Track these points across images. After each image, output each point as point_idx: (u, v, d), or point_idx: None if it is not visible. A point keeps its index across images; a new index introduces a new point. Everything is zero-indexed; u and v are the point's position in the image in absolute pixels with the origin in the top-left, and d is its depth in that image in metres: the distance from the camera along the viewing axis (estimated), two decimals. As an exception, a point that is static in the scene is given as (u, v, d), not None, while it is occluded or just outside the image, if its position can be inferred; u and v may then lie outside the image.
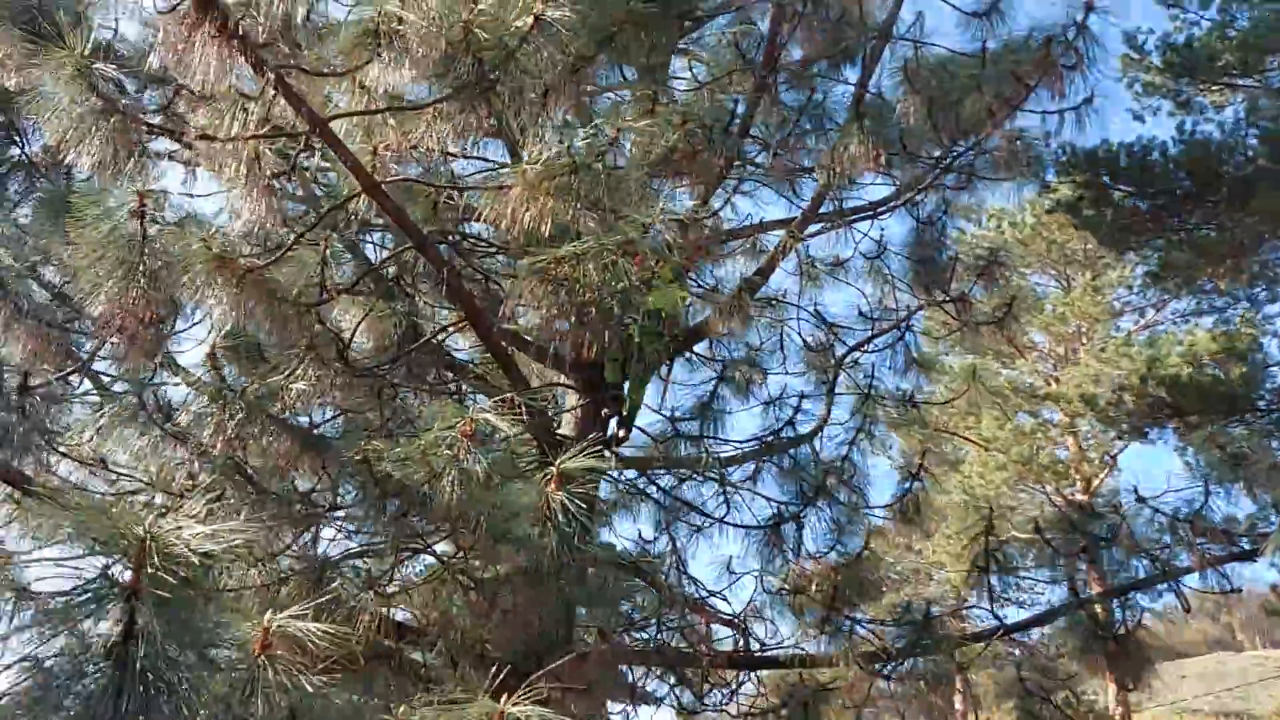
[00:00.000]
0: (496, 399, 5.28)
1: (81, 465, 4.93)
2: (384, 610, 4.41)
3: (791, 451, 8.76)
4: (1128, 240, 10.48)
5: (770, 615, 7.44)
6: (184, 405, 4.53)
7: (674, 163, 5.79)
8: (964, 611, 7.03)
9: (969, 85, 6.70)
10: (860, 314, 9.67)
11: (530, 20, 4.35)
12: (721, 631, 7.45)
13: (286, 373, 4.77)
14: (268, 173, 4.77)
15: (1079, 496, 14.20)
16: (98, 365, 4.91)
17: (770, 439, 8.77)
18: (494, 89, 4.32)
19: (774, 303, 9.48)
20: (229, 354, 4.83)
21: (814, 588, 6.45)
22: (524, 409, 5.96)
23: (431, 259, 4.91)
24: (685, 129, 5.81)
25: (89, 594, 2.15)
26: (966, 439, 14.03)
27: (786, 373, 9.71)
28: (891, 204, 8.04)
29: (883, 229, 9.44)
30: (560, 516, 3.84)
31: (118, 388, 4.88)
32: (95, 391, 4.98)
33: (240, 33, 4.06)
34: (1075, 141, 9.69)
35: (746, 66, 6.65)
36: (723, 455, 8.35)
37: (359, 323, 5.14)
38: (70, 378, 4.90)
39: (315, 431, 4.65)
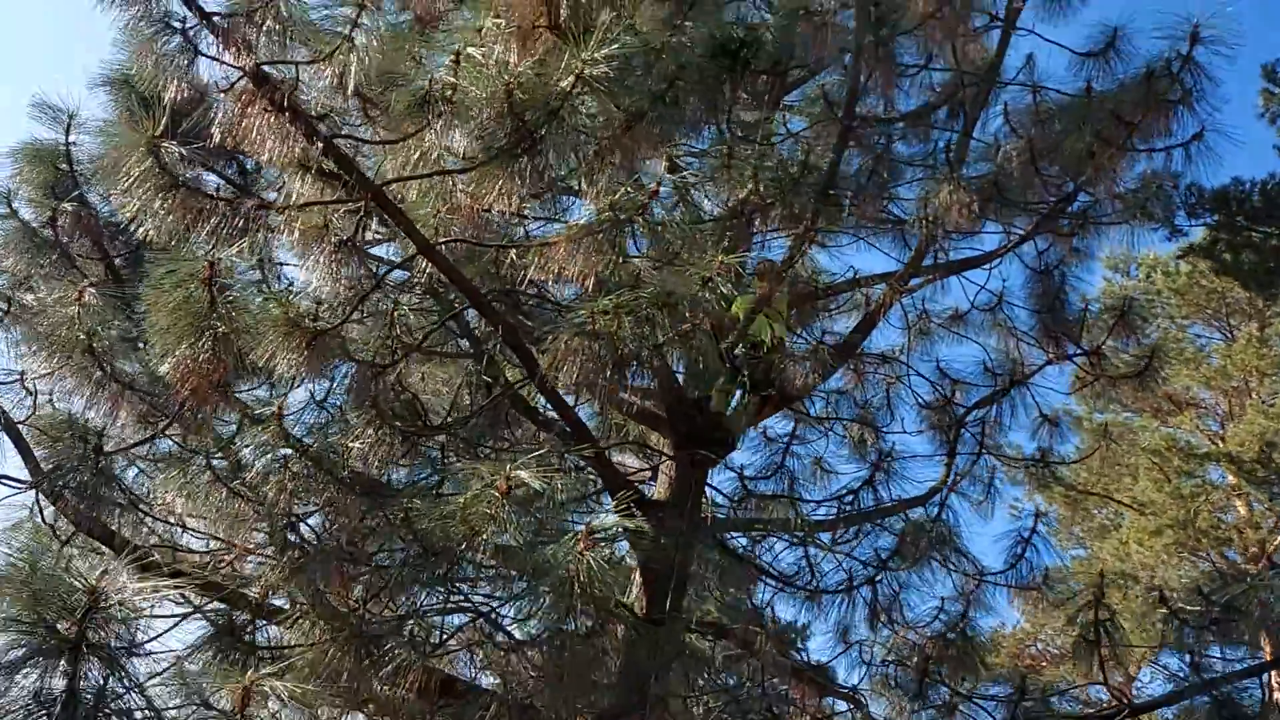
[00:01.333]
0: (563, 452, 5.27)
1: (169, 524, 5.16)
2: (432, 668, 4.40)
3: (905, 514, 8.40)
4: (1276, 284, 9.65)
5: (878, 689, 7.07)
6: (251, 464, 4.68)
7: (748, 214, 5.69)
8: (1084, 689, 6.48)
9: (1072, 127, 6.36)
10: (985, 369, 9.23)
11: (571, 80, 4.39)
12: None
13: (352, 432, 4.87)
14: (333, 239, 4.96)
15: (1245, 564, 13.00)
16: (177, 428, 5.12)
17: (882, 503, 8.41)
18: (536, 149, 4.35)
19: (885, 359, 9.20)
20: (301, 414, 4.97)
21: (915, 659, 6.08)
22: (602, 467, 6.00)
23: (488, 316, 4.95)
24: (759, 180, 5.73)
25: (32, 650, 2.20)
26: (1119, 502, 13.09)
27: (905, 432, 9.35)
28: (998, 255, 7.68)
29: (1004, 281, 9.08)
30: (588, 577, 3.74)
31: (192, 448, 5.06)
32: (171, 453, 5.21)
33: (293, 105, 4.24)
34: (1198, 180, 9.04)
35: (830, 117, 6.52)
36: (826, 517, 8.08)
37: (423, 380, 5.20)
38: (155, 439, 5.15)
39: (374, 490, 4.70)
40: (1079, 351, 8.78)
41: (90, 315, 4.99)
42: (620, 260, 4.25)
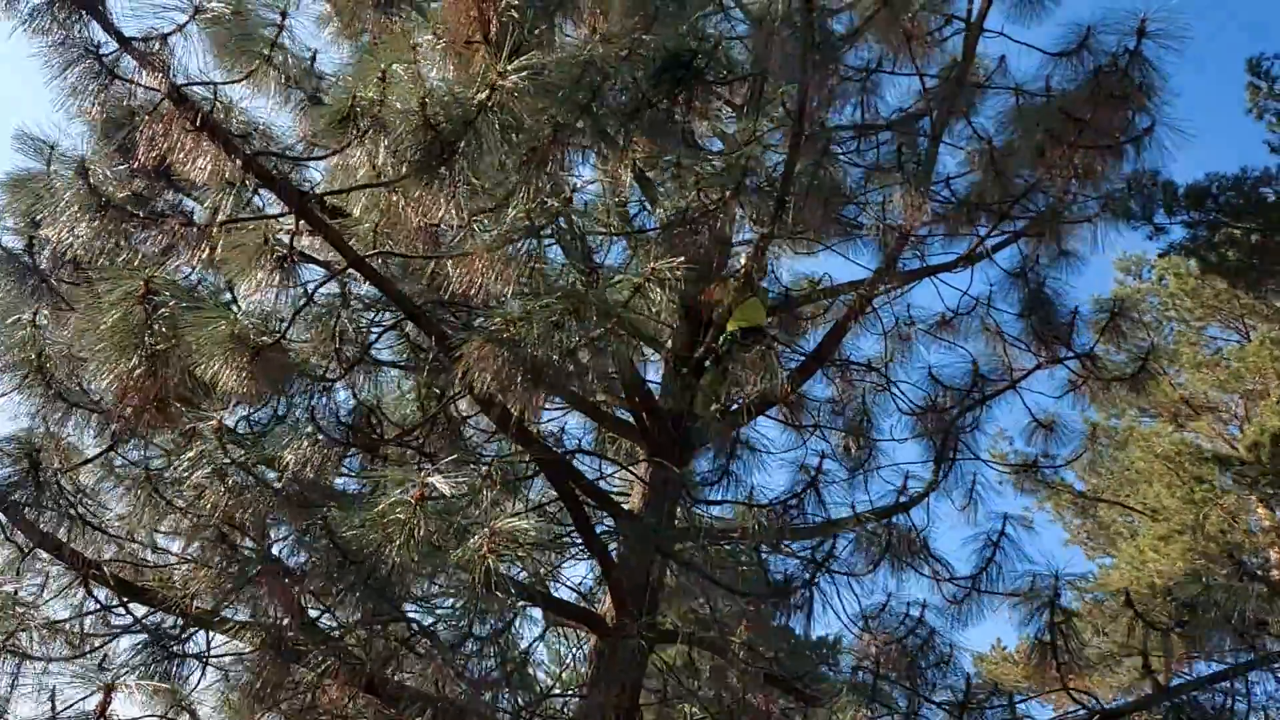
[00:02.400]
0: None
1: (118, 538, 5.25)
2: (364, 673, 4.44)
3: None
4: (1268, 280, 9.42)
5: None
6: (186, 476, 4.76)
7: (691, 222, 5.70)
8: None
9: (1028, 127, 6.30)
10: (978, 375, 9.14)
11: (486, 92, 4.45)
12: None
13: (284, 443, 4.94)
14: (273, 255, 5.05)
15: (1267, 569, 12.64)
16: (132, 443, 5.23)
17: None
18: (452, 161, 4.41)
19: (872, 366, 9.13)
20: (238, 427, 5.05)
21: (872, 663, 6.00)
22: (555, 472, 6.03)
23: (425, 328, 5.01)
24: (701, 187, 5.75)
25: None
26: (1130, 508, 12.83)
27: (893, 439, 9.27)
28: (964, 260, 7.60)
29: (991, 285, 9.00)
30: (492, 579, 3.77)
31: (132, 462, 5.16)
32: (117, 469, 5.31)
33: (211, 124, 4.34)
34: (1171, 177, 8.89)
35: (785, 124, 6.53)
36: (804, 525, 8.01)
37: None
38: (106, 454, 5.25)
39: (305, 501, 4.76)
40: (1071, 354, 8.70)
41: (40, 338, 5.12)
42: (536, 268, 4.27)
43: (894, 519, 8.06)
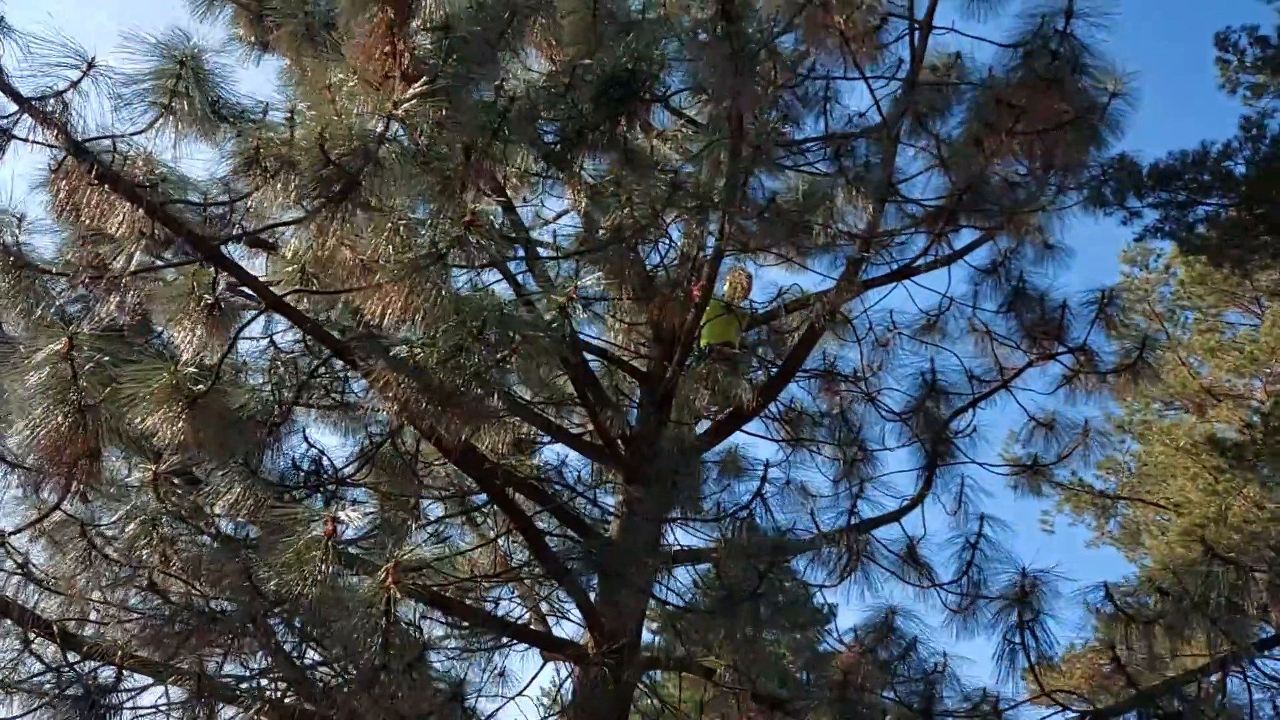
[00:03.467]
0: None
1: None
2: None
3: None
4: (1252, 257, 9.13)
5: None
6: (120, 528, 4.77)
7: (627, 238, 5.67)
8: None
9: (968, 118, 6.20)
10: (971, 377, 8.97)
11: (384, 123, 4.46)
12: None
13: (219, 490, 4.94)
14: (202, 302, 5.07)
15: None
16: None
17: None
18: (353, 194, 4.41)
19: (858, 376, 8.99)
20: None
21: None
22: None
23: (351, 364, 4.99)
24: (632, 205, 5.71)
25: None
26: (1152, 503, 12.47)
27: (885, 447, 9.09)
28: (919, 260, 7.45)
29: (977, 286, 8.86)
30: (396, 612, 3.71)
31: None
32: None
33: (113, 177, 4.38)
34: (1135, 159, 8.66)
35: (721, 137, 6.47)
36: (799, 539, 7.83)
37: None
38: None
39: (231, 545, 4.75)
40: (1065, 349, 8.52)
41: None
42: (442, 294, 4.24)
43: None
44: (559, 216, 7.54)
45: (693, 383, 5.98)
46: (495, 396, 4.18)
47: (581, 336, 8.05)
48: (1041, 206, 6.71)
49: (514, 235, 6.73)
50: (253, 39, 7.93)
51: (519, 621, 8.38)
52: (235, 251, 6.61)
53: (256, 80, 7.02)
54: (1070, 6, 5.62)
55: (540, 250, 6.75)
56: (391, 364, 4.18)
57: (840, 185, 6.22)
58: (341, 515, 4.03)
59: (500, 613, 8.48)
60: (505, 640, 7.37)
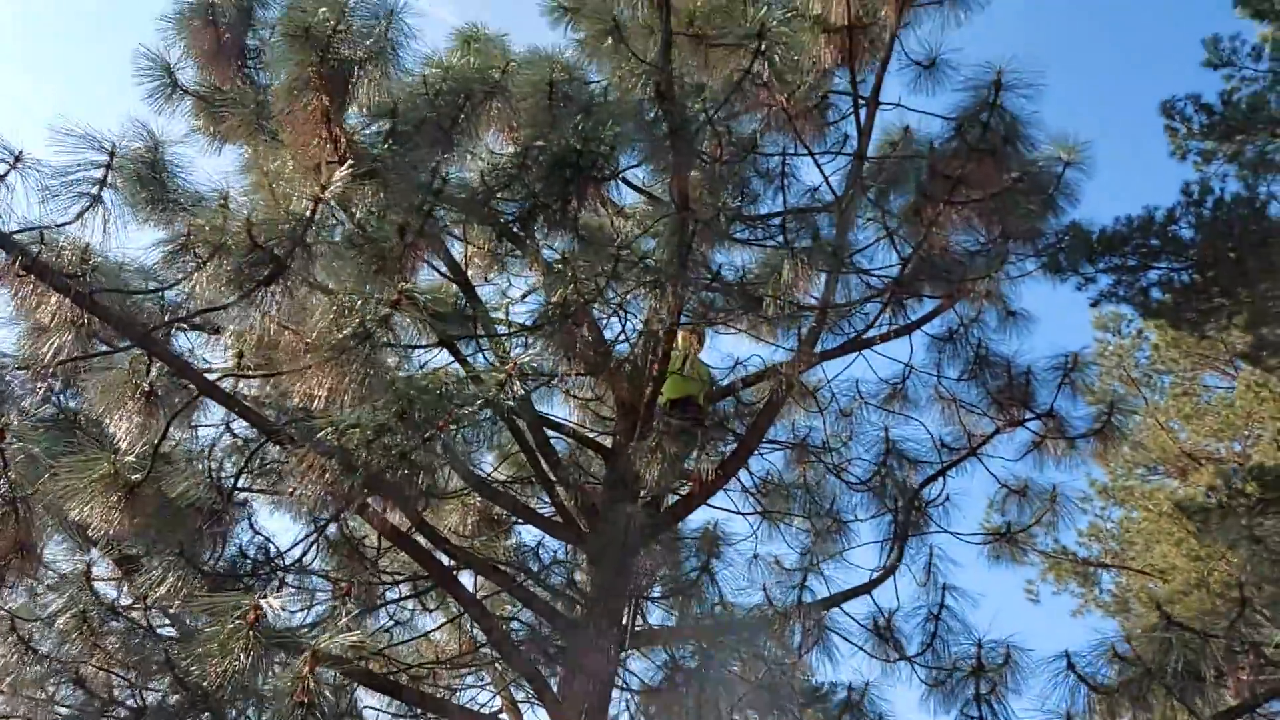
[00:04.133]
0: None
1: None
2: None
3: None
4: (1208, 320, 9.16)
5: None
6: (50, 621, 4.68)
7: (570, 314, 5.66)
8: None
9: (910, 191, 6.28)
10: (942, 445, 8.94)
11: (311, 205, 4.49)
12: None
13: (155, 579, 4.85)
14: (139, 391, 5.06)
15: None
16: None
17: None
18: (280, 278, 4.42)
19: (828, 447, 8.92)
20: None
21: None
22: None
23: (281, 444, 4.94)
24: (576, 281, 5.73)
25: None
26: (1131, 569, 12.29)
27: (855, 518, 9.01)
28: (879, 329, 7.47)
29: (940, 354, 8.87)
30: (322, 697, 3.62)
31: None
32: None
33: (40, 268, 4.40)
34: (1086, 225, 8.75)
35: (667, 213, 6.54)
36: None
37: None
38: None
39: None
40: (1033, 415, 8.51)
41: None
42: (368, 374, 4.22)
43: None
44: (526, 294, 7.56)
45: (643, 455, 5.92)
46: (422, 477, 4.11)
47: (545, 413, 8.09)
48: (986, 274, 6.73)
49: (467, 314, 6.74)
50: (212, 130, 8.06)
51: (489, 707, 8.24)
52: (193, 338, 6.71)
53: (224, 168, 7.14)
54: (998, 79, 5.72)
55: (499, 328, 6.76)
56: (315, 447, 4.14)
57: (788, 259, 6.23)
58: (265, 604, 3.93)
59: (470, 698, 8.34)
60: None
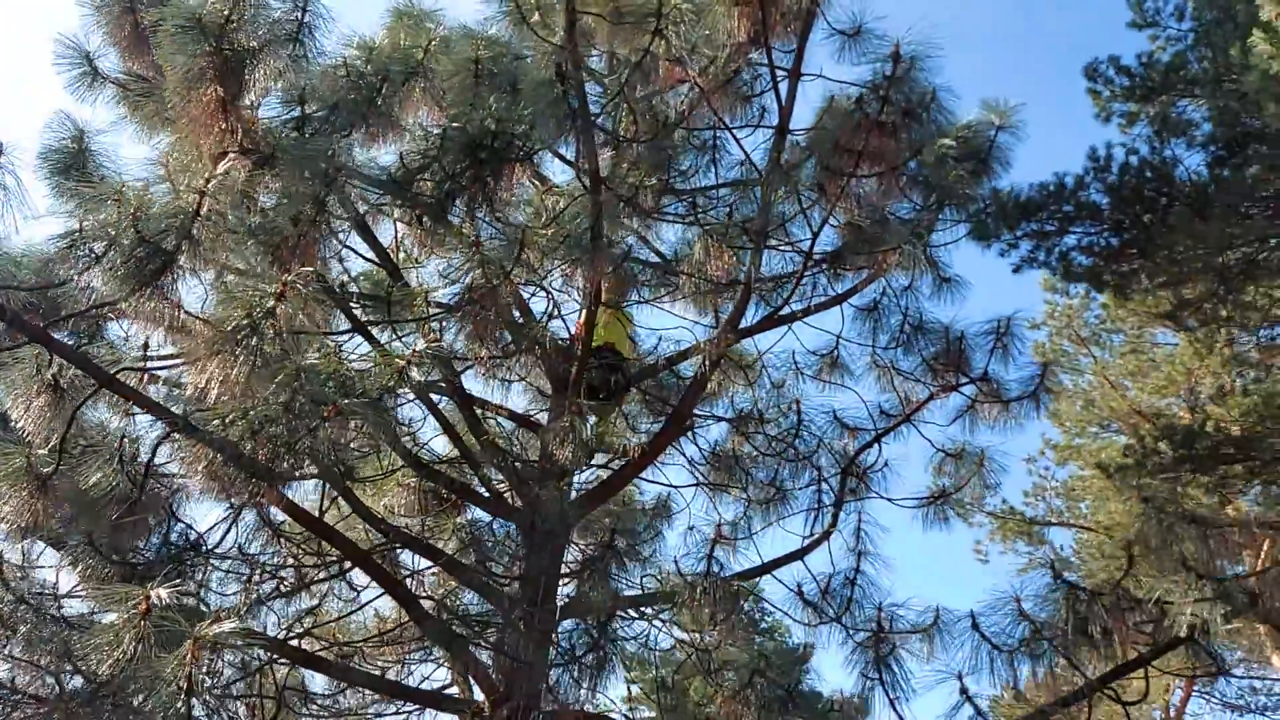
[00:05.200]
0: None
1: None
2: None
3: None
4: (1130, 283, 9.28)
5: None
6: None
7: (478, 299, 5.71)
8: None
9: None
10: (882, 413, 9.06)
11: (196, 199, 4.53)
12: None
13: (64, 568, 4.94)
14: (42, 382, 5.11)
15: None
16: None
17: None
18: (166, 271, 4.47)
19: (763, 419, 9.03)
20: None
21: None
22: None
23: (189, 437, 5.00)
24: (484, 263, 5.77)
25: None
26: (1083, 527, 12.51)
27: (794, 488, 9.13)
28: (800, 302, 7.56)
29: (876, 324, 8.97)
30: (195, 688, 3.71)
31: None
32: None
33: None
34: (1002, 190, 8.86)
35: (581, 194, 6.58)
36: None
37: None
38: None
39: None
40: (967, 380, 8.63)
41: None
42: (254, 364, 4.27)
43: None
44: (449, 277, 7.60)
45: (557, 433, 6.01)
46: (333, 461, 4.19)
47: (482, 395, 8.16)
48: (898, 245, 6.79)
49: (393, 299, 6.75)
50: (135, 118, 8.03)
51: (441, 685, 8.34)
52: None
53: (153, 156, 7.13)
54: (896, 51, 5.78)
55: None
56: (199, 438, 4.21)
57: (699, 237, 6.30)
58: (155, 594, 4.02)
59: (418, 673, 8.45)
60: (403, 705, 7.36)
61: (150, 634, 3.99)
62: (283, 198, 5.06)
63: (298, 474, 5.37)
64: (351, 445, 6.45)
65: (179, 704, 3.69)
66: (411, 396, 6.25)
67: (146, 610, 4.04)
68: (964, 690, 4.99)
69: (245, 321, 4.38)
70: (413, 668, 8.26)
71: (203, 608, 5.64)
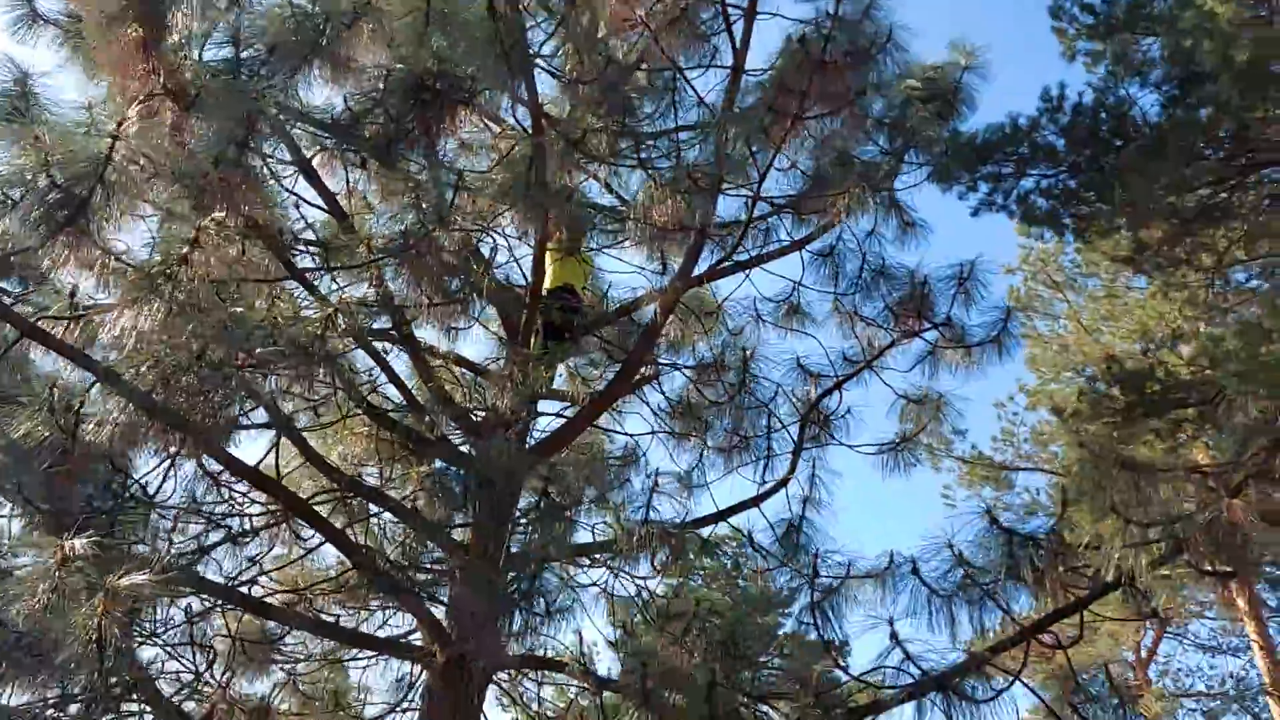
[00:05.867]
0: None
1: None
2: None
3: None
4: (1089, 226, 9.17)
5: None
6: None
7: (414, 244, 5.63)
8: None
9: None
10: (846, 360, 9.01)
11: (108, 143, 4.42)
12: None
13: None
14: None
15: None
16: None
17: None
18: (79, 218, 4.37)
19: (721, 366, 8.98)
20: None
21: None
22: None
23: (115, 387, 4.94)
24: (421, 208, 5.69)
25: None
26: (1046, 470, 12.57)
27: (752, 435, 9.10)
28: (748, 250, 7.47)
29: (834, 270, 8.90)
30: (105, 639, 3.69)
31: None
32: None
33: None
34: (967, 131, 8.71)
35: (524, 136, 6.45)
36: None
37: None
38: None
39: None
40: (929, 326, 8.58)
41: None
42: (170, 313, 4.21)
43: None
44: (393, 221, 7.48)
45: (498, 381, 5.96)
46: (228, 411, 4.14)
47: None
48: (855, 187, 6.67)
49: (335, 244, 6.66)
50: (77, 60, 7.85)
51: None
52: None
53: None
54: (838, -13, 5.63)
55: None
56: (115, 387, 4.15)
57: (643, 183, 6.20)
58: (70, 544, 3.99)
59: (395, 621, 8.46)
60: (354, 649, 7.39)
61: (65, 585, 3.97)
62: (206, 140, 4.94)
63: (234, 423, 5.33)
64: (295, 392, 6.45)
65: (89, 654, 3.68)
66: (354, 345, 6.16)
67: (62, 561, 4.02)
68: (894, 635, 4.99)
69: (160, 267, 4.30)
70: (387, 615, 8.31)
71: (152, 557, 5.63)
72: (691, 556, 6.94)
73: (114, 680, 3.72)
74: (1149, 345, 11.21)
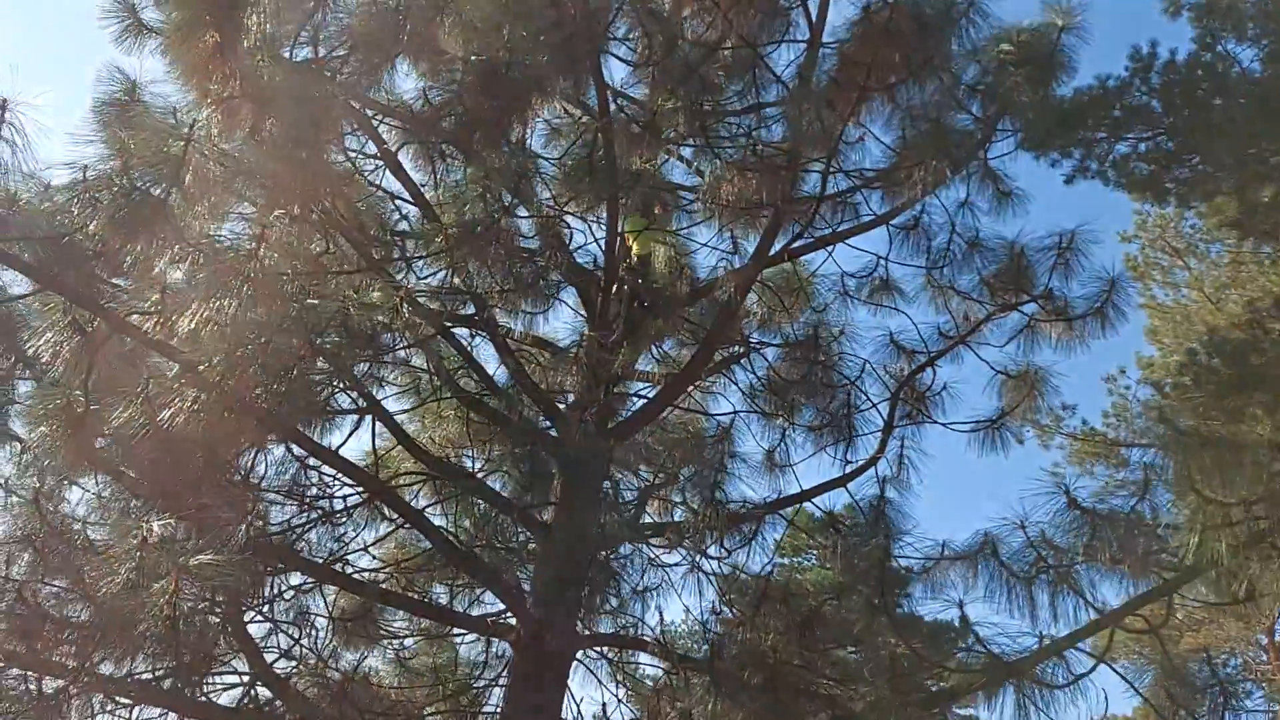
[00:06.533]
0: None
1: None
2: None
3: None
4: (1194, 191, 8.60)
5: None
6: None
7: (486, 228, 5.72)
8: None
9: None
10: (941, 335, 8.80)
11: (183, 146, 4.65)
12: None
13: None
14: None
15: None
16: None
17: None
18: (161, 216, 4.61)
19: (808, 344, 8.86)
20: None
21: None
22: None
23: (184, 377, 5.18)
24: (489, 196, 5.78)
25: None
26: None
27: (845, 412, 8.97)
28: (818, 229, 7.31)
29: (929, 243, 8.69)
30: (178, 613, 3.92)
31: None
32: None
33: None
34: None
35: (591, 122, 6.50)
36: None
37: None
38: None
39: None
40: (1028, 299, 8.32)
41: None
42: (238, 305, 4.41)
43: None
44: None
45: (568, 362, 6.05)
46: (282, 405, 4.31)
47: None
48: (925, 163, 6.48)
49: (387, 236, 6.79)
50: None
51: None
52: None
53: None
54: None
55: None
56: (187, 379, 4.38)
57: (709, 165, 6.16)
58: (149, 527, 4.24)
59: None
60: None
61: (146, 564, 4.22)
62: (284, 138, 5.14)
63: (320, 409, 5.56)
64: (380, 377, 6.68)
65: (161, 628, 3.90)
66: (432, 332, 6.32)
67: (143, 541, 4.27)
68: (964, 618, 4.88)
69: (234, 261, 4.51)
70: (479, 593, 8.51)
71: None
72: (769, 537, 6.88)
73: (198, 654, 3.94)
74: (1255, 315, 10.53)
